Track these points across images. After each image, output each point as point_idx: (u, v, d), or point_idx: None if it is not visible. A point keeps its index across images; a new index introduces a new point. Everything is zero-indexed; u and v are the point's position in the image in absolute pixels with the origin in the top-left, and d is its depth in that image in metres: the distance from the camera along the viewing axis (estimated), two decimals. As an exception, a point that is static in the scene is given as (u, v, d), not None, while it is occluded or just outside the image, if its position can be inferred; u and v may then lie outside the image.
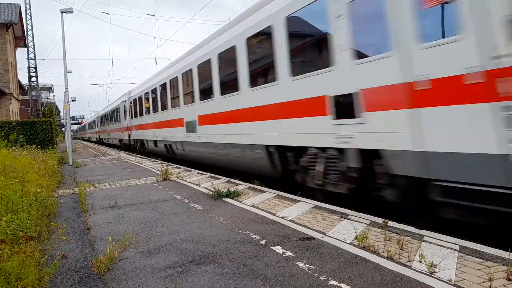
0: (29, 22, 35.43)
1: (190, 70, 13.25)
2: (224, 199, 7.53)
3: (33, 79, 37.51)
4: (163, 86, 16.68)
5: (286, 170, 8.44)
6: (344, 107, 6.24)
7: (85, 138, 75.87)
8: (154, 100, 18.49)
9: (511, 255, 3.68)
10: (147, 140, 20.69)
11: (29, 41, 36.07)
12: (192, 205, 7.19)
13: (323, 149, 6.99)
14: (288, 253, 4.21)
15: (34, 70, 37.17)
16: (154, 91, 18.51)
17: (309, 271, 3.68)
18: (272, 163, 8.71)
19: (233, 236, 5.02)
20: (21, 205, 4.84)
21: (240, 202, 7.16)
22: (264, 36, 8.57)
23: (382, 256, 3.95)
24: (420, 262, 3.71)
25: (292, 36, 7.61)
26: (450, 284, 3.23)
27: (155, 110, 18.31)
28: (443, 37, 4.68)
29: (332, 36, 6.41)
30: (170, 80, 15.75)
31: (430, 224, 5.28)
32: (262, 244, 4.60)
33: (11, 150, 13.48)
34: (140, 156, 22.04)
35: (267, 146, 8.71)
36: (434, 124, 4.81)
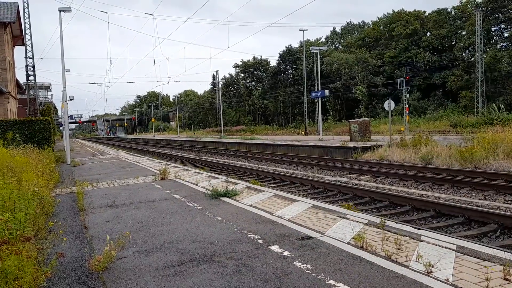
0: (27, 20, 35.35)
1: None
2: (222, 198, 7.53)
3: (31, 78, 37.39)
4: None
5: None
6: None
7: None
8: None
9: (508, 254, 3.69)
10: None
11: (27, 39, 35.95)
12: (190, 204, 7.18)
13: None
14: (286, 253, 4.21)
15: (32, 69, 37.04)
16: None
17: (307, 271, 3.69)
18: None
19: (231, 235, 5.02)
20: (18, 204, 4.82)
21: (238, 201, 7.15)
22: None
23: (380, 256, 3.96)
24: (418, 261, 3.71)
25: None
26: (447, 283, 3.24)
27: None
28: None
29: None
30: None
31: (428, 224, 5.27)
32: (260, 243, 4.61)
33: (9, 150, 13.45)
34: (138, 155, 22.01)
35: None
36: None
